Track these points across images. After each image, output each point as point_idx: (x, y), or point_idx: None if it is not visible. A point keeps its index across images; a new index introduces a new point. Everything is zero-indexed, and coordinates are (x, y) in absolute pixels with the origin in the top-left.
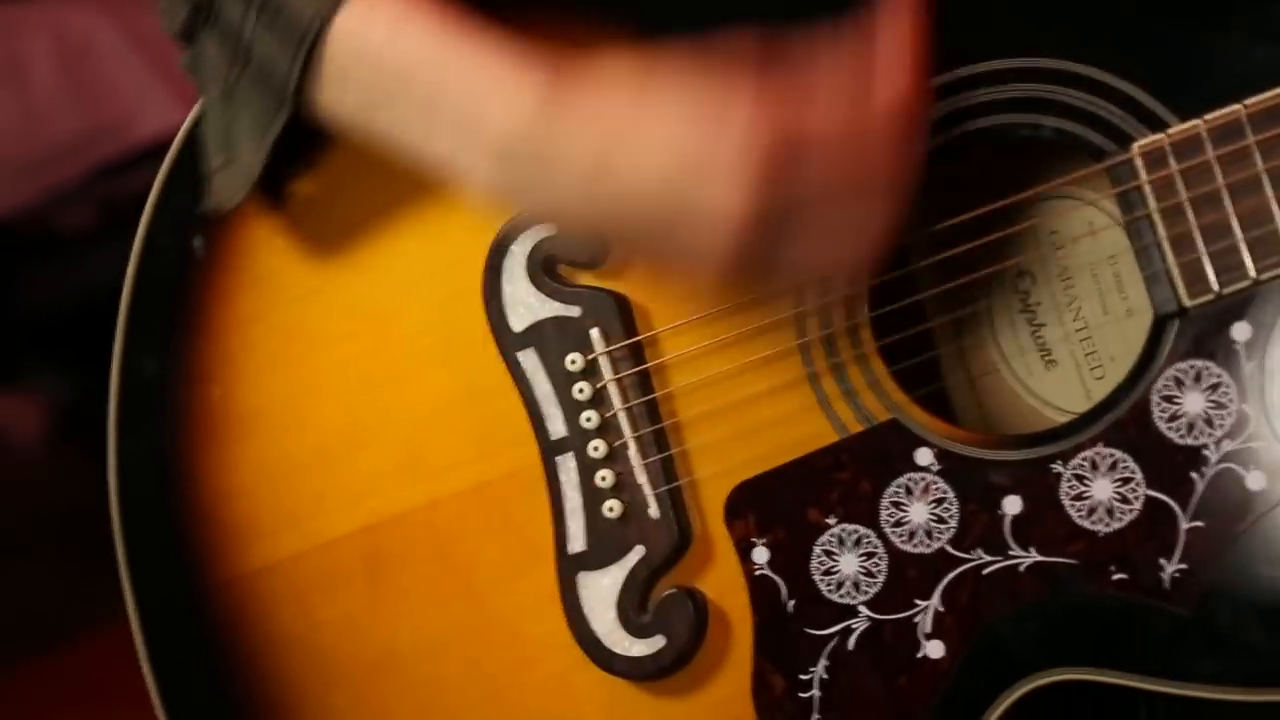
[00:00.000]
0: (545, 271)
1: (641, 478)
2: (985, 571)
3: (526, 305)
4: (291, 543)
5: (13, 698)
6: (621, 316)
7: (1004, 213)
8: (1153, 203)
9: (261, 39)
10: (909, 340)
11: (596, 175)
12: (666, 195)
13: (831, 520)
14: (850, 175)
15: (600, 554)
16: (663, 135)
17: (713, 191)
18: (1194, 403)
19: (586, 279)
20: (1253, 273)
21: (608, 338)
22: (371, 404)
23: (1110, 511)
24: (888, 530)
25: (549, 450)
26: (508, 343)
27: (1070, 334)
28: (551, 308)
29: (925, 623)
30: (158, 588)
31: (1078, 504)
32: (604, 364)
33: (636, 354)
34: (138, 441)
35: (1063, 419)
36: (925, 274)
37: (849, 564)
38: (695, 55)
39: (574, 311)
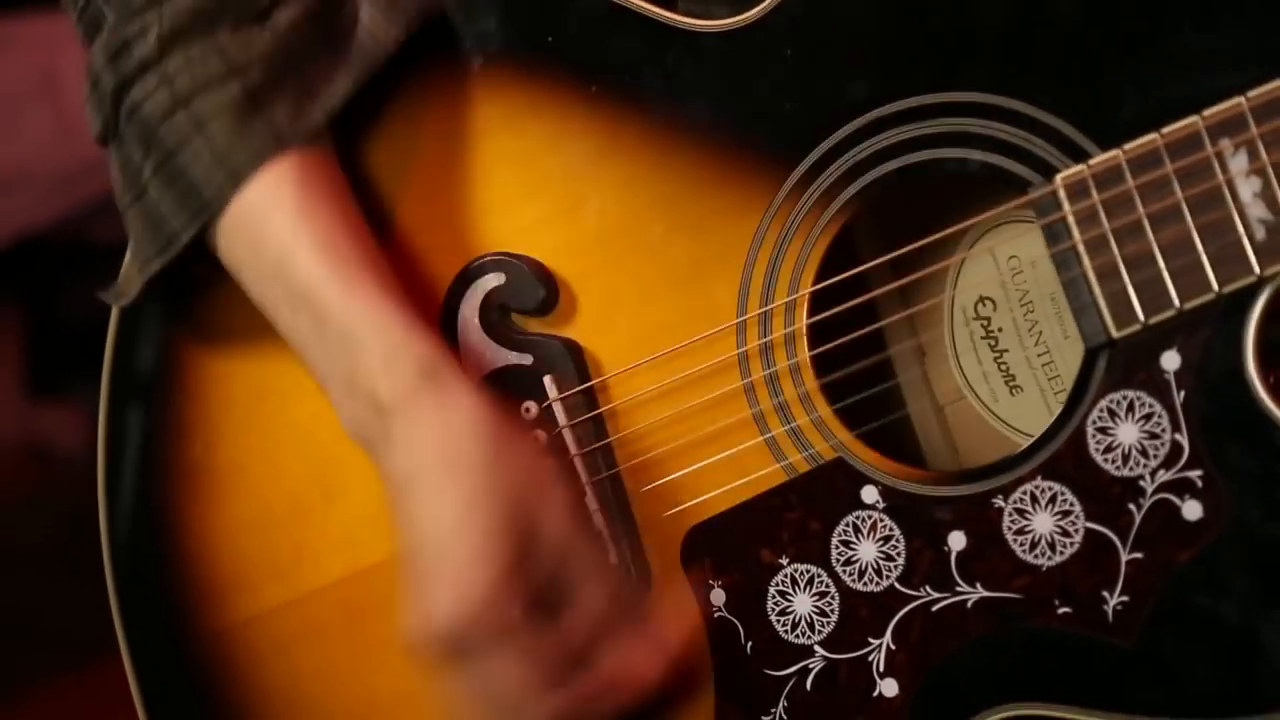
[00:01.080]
0: (499, 319)
1: (599, 523)
2: (934, 608)
3: (481, 354)
4: (275, 594)
5: (58, 708)
6: (574, 363)
7: (956, 239)
8: (1076, 234)
9: (157, 190)
10: (870, 371)
11: (407, 486)
12: (439, 541)
13: (784, 560)
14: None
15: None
16: (464, 499)
17: (463, 559)
18: (1128, 433)
19: (538, 326)
20: (1176, 302)
21: (560, 385)
22: (344, 457)
23: (1052, 545)
24: (838, 569)
25: None
26: None
27: (1033, 358)
28: (505, 356)
29: (879, 661)
30: (151, 640)
31: (1020, 538)
32: (558, 412)
33: (589, 400)
34: (126, 495)
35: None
36: (883, 302)
37: (803, 604)
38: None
39: (525, 360)
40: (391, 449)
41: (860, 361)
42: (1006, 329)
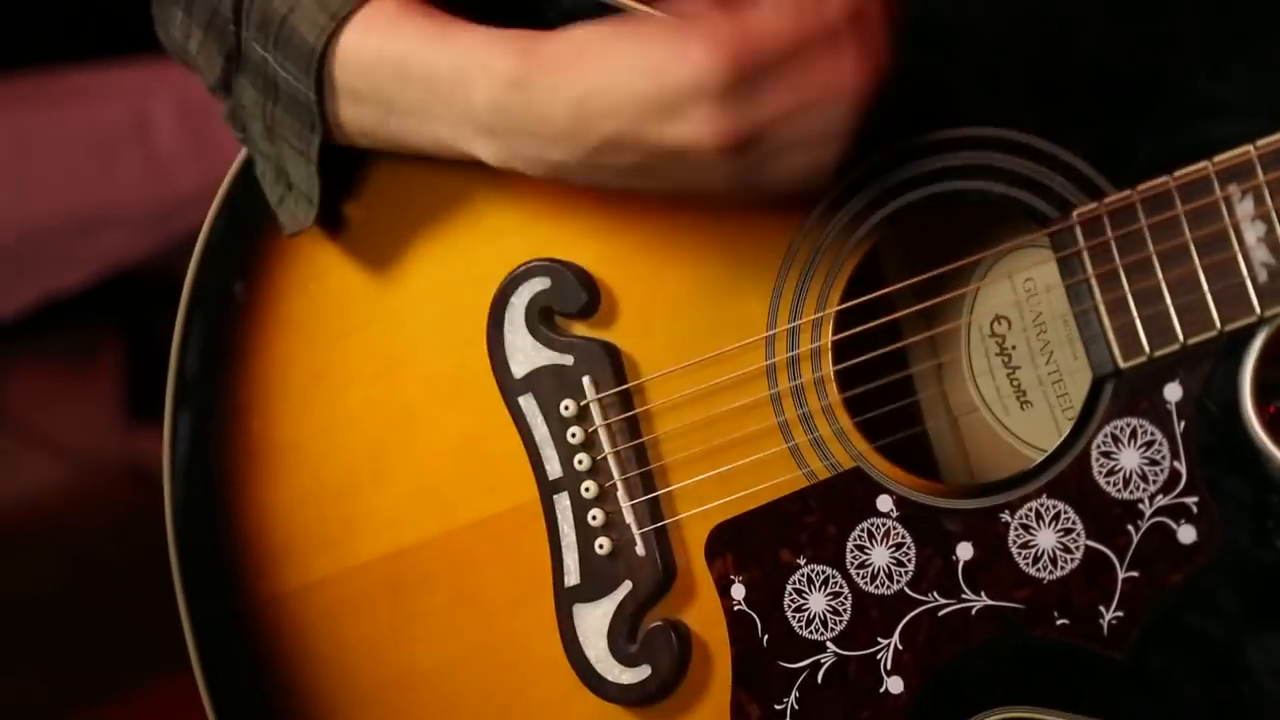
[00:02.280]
0: (542, 321)
1: (629, 517)
2: (940, 613)
3: (525, 353)
4: (324, 566)
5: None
6: (611, 365)
7: (975, 264)
8: (1090, 268)
9: (282, 68)
10: (891, 386)
11: (575, 129)
12: (643, 136)
13: (801, 561)
14: (808, 84)
15: (592, 587)
16: (627, 80)
17: (683, 125)
18: (1130, 459)
19: (580, 329)
20: (1181, 337)
21: (598, 385)
22: (392, 440)
23: (1054, 560)
24: (852, 571)
25: (547, 489)
26: (509, 388)
27: (1044, 377)
28: (548, 356)
29: (886, 660)
30: (209, 603)
31: (1024, 552)
32: (595, 410)
33: (625, 401)
34: (188, 468)
35: (1040, 457)
36: (906, 320)
37: (818, 602)
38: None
39: (568, 360)
40: (544, 105)
41: (882, 378)
42: (1020, 348)
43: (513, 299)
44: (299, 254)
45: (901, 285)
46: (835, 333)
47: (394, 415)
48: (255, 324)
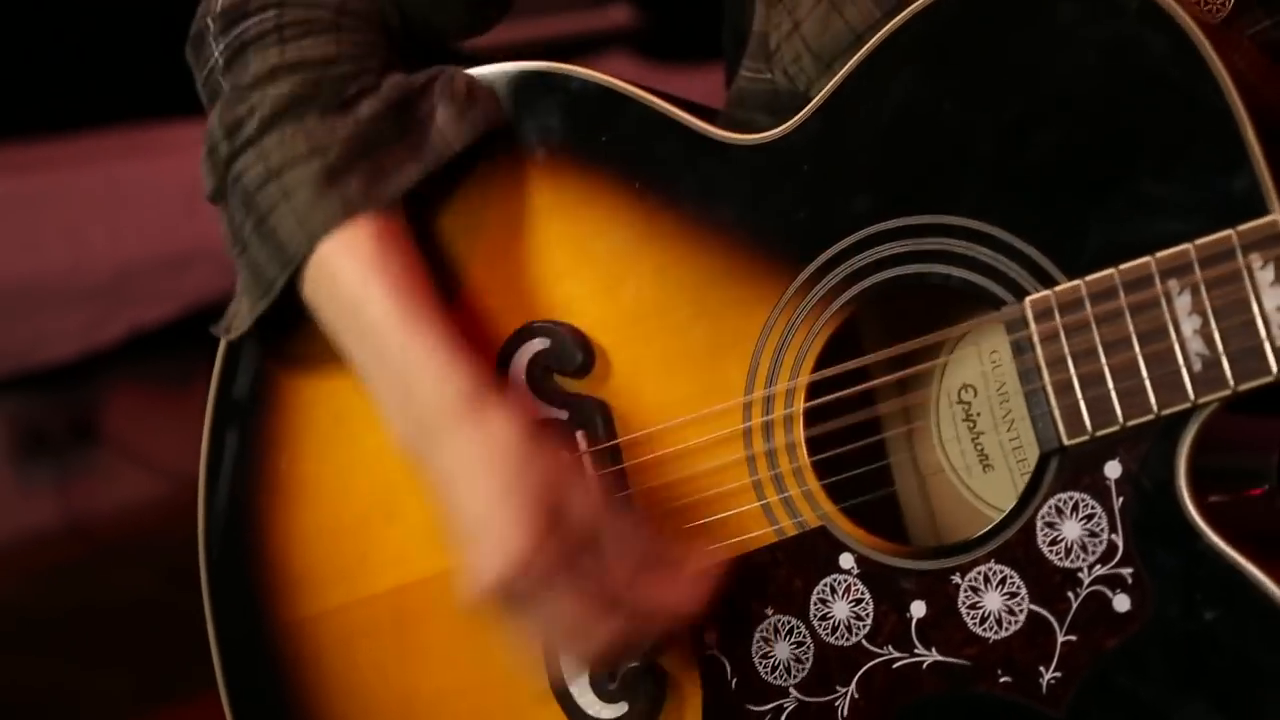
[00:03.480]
0: (542, 378)
1: None
2: (894, 665)
3: (525, 407)
4: (339, 595)
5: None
6: (603, 421)
7: (945, 339)
8: (1039, 351)
9: (254, 245)
10: (866, 448)
11: (451, 481)
12: (482, 510)
13: (769, 611)
14: (586, 605)
15: None
16: (488, 489)
17: (502, 528)
18: (1071, 530)
19: (575, 386)
20: (1121, 419)
21: (589, 439)
22: (402, 482)
23: (999, 621)
24: (815, 623)
25: None
26: None
27: (1005, 443)
28: (545, 410)
29: (844, 707)
30: (234, 623)
31: (972, 612)
32: (586, 463)
33: (614, 455)
34: (222, 501)
35: (999, 517)
36: (882, 389)
37: (782, 650)
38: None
39: (563, 415)
40: (439, 454)
41: (855, 442)
42: (984, 415)
43: (515, 357)
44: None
45: (868, 360)
46: (807, 400)
47: (403, 460)
48: (285, 369)
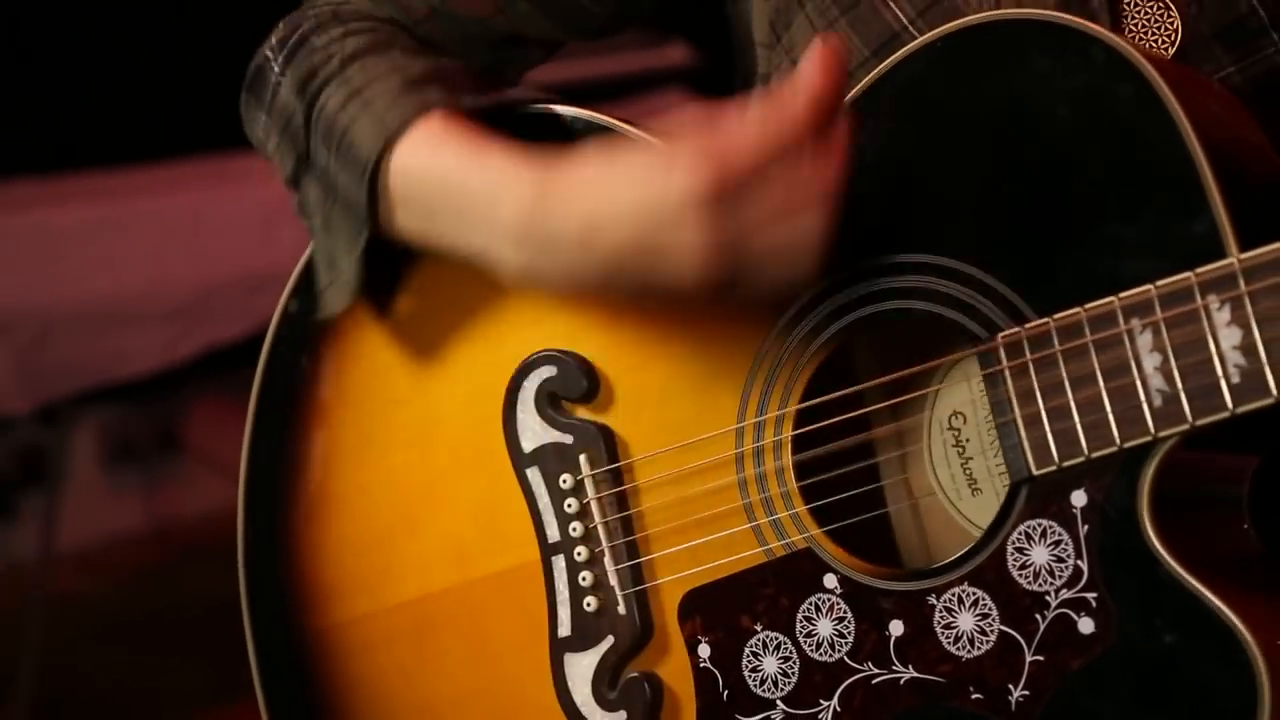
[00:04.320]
0: (549, 404)
1: (613, 580)
2: (873, 681)
3: (533, 431)
4: (364, 604)
5: None
6: (605, 445)
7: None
8: (1010, 385)
9: (340, 174)
10: (858, 471)
11: (584, 242)
12: (641, 248)
13: (759, 627)
14: (780, 196)
15: (581, 639)
16: (626, 202)
17: (673, 236)
18: (1040, 555)
19: (580, 412)
20: (1086, 451)
21: (592, 463)
22: (424, 499)
23: (972, 640)
24: (801, 640)
25: (546, 551)
26: (519, 460)
27: (992, 468)
28: (551, 435)
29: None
30: (269, 630)
31: (947, 632)
32: (589, 484)
33: (615, 477)
34: (259, 513)
35: None
36: (877, 414)
37: (770, 665)
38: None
39: (568, 439)
40: (566, 218)
41: (846, 466)
42: (973, 441)
43: (525, 383)
44: (357, 333)
45: (852, 390)
46: (798, 427)
47: (426, 478)
48: (315, 392)
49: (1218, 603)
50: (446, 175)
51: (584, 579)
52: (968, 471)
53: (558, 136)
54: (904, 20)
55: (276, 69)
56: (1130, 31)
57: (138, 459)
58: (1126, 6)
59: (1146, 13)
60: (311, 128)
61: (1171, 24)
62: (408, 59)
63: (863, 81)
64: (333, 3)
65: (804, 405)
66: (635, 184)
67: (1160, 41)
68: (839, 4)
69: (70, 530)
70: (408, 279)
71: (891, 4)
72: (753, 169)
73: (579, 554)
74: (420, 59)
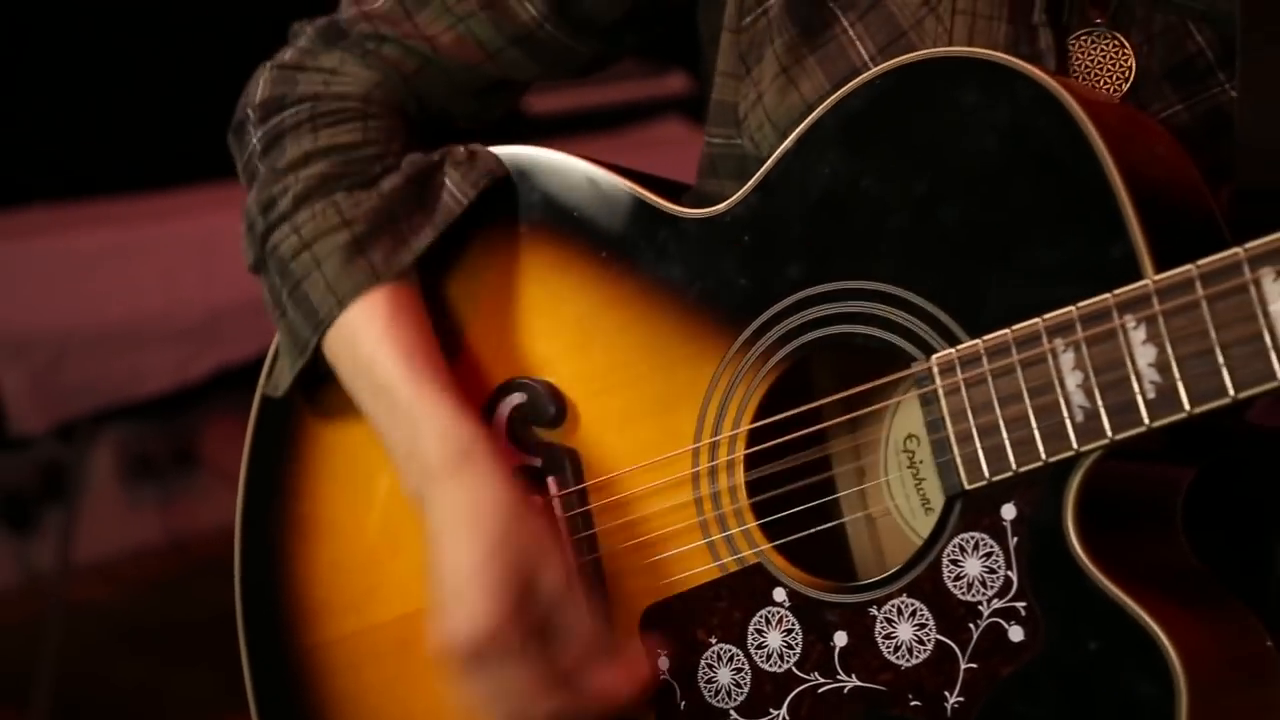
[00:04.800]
0: (520, 428)
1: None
2: (819, 691)
3: (503, 454)
4: (351, 623)
5: None
6: (572, 467)
7: (886, 387)
8: (944, 404)
9: (291, 309)
10: (815, 486)
11: (439, 535)
12: (459, 574)
13: (713, 640)
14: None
15: None
16: (468, 552)
17: (477, 597)
18: (973, 567)
19: (549, 436)
20: (1014, 465)
21: (559, 484)
22: (406, 522)
23: (910, 650)
24: (752, 651)
25: None
26: None
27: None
28: (521, 457)
29: None
30: (263, 646)
31: (887, 641)
32: (556, 504)
33: (581, 497)
34: (255, 537)
35: None
36: (831, 431)
37: (724, 676)
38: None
39: (537, 461)
40: (432, 508)
41: (798, 481)
42: (925, 461)
43: (498, 409)
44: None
45: (794, 412)
46: (748, 446)
47: (406, 501)
48: (307, 420)
49: (1140, 613)
50: (380, 385)
51: None
52: (921, 492)
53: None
54: (865, 57)
55: (255, 146)
56: (1081, 70)
57: (154, 474)
58: (1073, 46)
59: (1101, 51)
60: (267, 253)
61: (1125, 62)
62: (353, 203)
63: (808, 118)
64: (324, 73)
65: (755, 425)
66: (488, 557)
67: (1114, 79)
68: (807, 43)
69: (90, 542)
70: None
71: (856, 42)
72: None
73: None
74: (365, 200)
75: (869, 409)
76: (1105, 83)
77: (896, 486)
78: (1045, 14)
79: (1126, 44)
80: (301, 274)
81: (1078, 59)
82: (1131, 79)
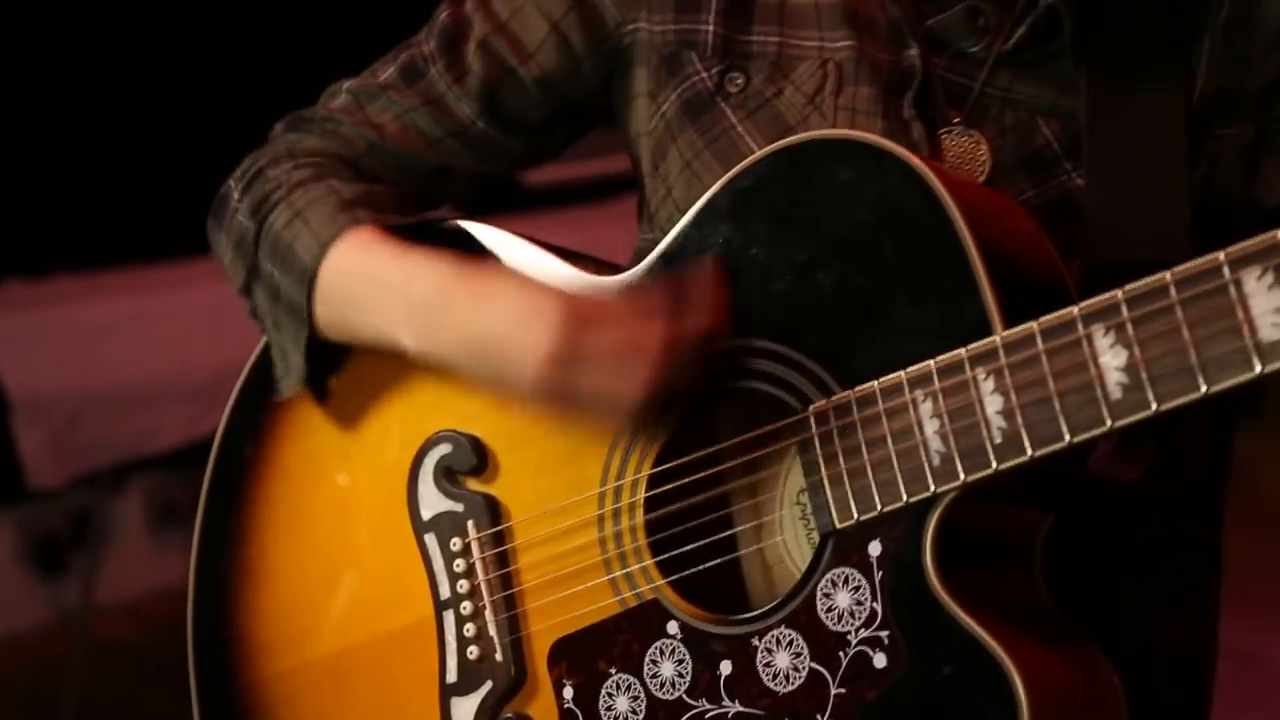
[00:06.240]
0: (445, 477)
1: (493, 631)
2: (707, 716)
3: (431, 501)
4: (291, 659)
5: None
6: (490, 513)
7: (781, 433)
8: (818, 450)
9: (283, 280)
10: (707, 527)
11: (463, 337)
12: (503, 339)
13: (613, 670)
14: (610, 380)
15: (465, 684)
16: (498, 322)
17: (528, 337)
18: (843, 599)
19: (471, 483)
20: (879, 506)
21: (478, 528)
22: (342, 565)
23: (787, 677)
24: (648, 681)
25: (439, 607)
26: (419, 527)
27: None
28: (446, 504)
29: None
30: (212, 681)
31: (767, 669)
32: (475, 547)
33: (497, 540)
34: (207, 579)
35: None
36: (728, 474)
37: (623, 704)
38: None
39: (459, 507)
40: (454, 317)
41: (696, 519)
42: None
43: (425, 459)
44: (292, 422)
45: (684, 460)
46: (648, 490)
47: (345, 546)
48: (257, 474)
49: (992, 643)
50: (368, 269)
51: (468, 631)
52: (811, 541)
53: (471, 249)
54: (755, 149)
55: (235, 196)
56: (948, 162)
57: (179, 520)
58: (943, 138)
59: (961, 146)
60: (260, 242)
61: (982, 156)
62: (343, 184)
63: (705, 195)
64: (289, 141)
65: (654, 470)
66: (509, 315)
67: (974, 169)
68: (704, 139)
69: (118, 583)
70: (341, 370)
71: (746, 137)
72: (595, 348)
73: (465, 609)
74: (354, 185)
75: (763, 451)
76: (969, 171)
77: (788, 523)
78: (913, 109)
79: (983, 141)
80: (292, 237)
81: (945, 151)
82: (988, 171)
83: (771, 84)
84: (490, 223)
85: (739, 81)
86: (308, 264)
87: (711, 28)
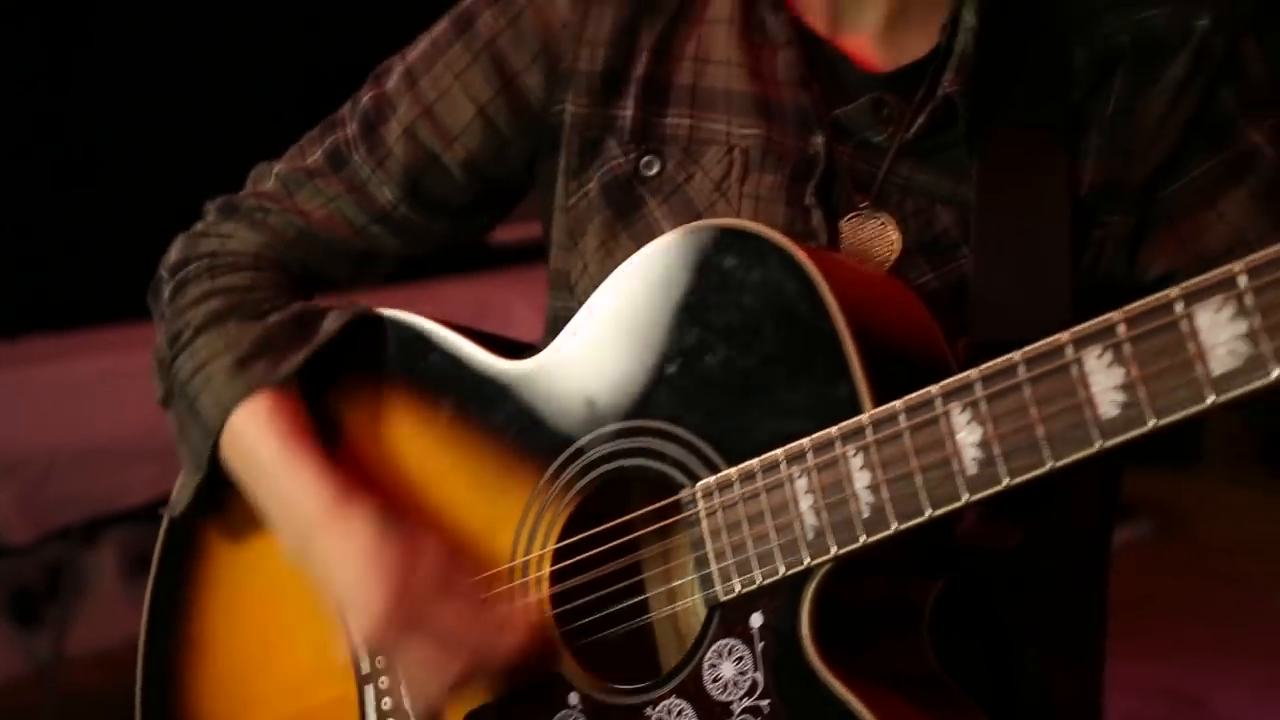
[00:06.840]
0: None
1: (408, 704)
2: None
3: None
4: None
5: None
6: None
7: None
8: (704, 524)
9: (189, 427)
10: (616, 597)
11: (323, 571)
12: (348, 594)
13: None
14: (442, 638)
15: None
16: (356, 568)
17: (368, 604)
18: (727, 669)
19: None
20: (759, 579)
21: None
22: (276, 642)
23: None
24: None
25: (360, 682)
26: None
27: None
28: None
29: None
30: None
31: None
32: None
33: None
34: (155, 654)
35: None
36: (643, 540)
37: None
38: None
39: None
40: (316, 550)
41: (604, 589)
42: None
43: None
44: (236, 499)
45: (585, 535)
46: (554, 564)
47: (279, 624)
48: (202, 550)
49: (865, 712)
50: (263, 465)
51: (385, 704)
52: None
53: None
54: (667, 232)
55: (165, 297)
56: (853, 246)
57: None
58: (846, 226)
59: (869, 230)
60: (173, 381)
61: (891, 237)
62: (242, 331)
63: (602, 284)
64: (218, 239)
65: (558, 545)
66: (363, 560)
67: (882, 252)
68: (621, 221)
69: (92, 633)
70: None
71: (661, 221)
72: (435, 604)
73: (383, 683)
74: (251, 330)
75: (659, 525)
76: (877, 255)
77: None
78: (815, 197)
79: (890, 225)
80: (195, 393)
81: (849, 236)
82: (897, 253)
83: (683, 169)
84: (459, 282)
85: (655, 167)
86: (210, 426)
87: (630, 111)
